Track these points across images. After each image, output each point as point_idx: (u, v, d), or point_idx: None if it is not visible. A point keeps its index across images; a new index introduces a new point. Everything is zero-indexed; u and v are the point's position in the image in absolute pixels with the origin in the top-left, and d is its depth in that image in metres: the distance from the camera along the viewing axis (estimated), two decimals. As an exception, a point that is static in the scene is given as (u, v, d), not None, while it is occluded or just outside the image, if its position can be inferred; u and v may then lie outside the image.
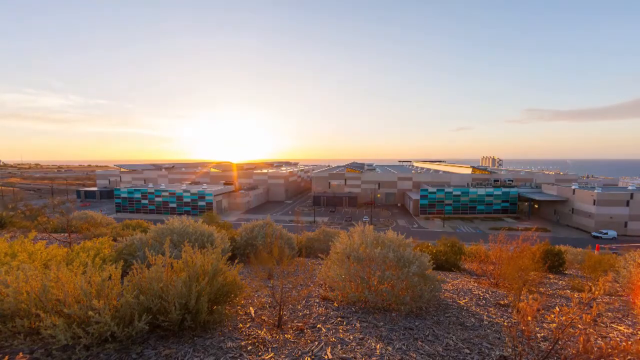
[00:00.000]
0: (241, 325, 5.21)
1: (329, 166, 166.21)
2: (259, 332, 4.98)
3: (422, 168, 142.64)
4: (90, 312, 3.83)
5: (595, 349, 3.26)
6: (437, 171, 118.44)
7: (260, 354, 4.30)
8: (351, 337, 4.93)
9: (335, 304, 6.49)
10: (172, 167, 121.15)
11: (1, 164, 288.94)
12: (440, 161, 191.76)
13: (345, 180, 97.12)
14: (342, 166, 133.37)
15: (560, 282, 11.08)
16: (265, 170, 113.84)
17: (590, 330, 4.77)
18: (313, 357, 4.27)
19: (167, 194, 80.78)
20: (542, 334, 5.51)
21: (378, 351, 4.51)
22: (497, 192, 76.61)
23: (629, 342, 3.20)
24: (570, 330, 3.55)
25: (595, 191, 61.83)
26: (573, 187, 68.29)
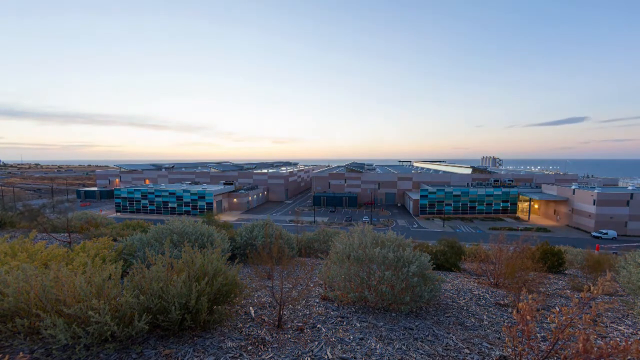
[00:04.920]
0: (241, 325, 5.21)
1: (329, 166, 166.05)
2: (259, 332, 4.98)
3: (422, 168, 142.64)
4: (90, 312, 3.82)
5: (595, 349, 3.26)
6: (437, 171, 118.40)
7: (260, 354, 4.30)
8: (351, 337, 4.93)
9: (335, 304, 6.49)
10: (172, 167, 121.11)
11: (1, 164, 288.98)
12: (440, 161, 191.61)
13: (345, 180, 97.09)
14: (342, 166, 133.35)
15: (560, 282, 11.08)
16: (265, 170, 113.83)
17: (591, 330, 4.76)
18: (313, 357, 4.27)
19: (167, 194, 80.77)
20: (542, 334, 5.52)
21: (378, 351, 4.51)
22: (497, 192, 76.54)
23: (629, 342, 3.19)
24: (570, 330, 3.55)
25: (595, 191, 61.81)
26: (573, 187, 68.25)
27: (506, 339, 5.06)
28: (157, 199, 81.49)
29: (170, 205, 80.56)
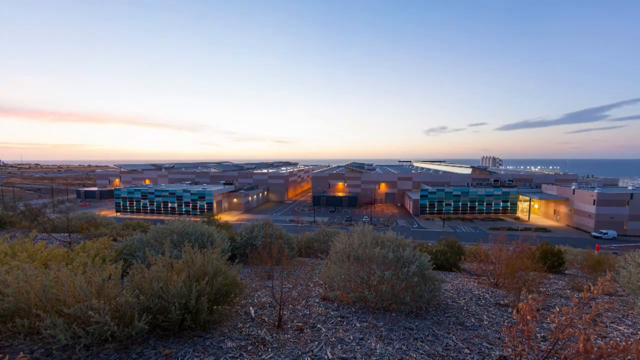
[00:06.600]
0: (241, 325, 5.21)
1: (329, 166, 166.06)
2: (259, 332, 4.98)
3: (422, 168, 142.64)
4: (90, 312, 3.82)
5: (595, 349, 3.26)
6: (437, 171, 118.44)
7: (260, 354, 4.30)
8: (351, 337, 4.93)
9: (335, 304, 6.49)
10: (172, 167, 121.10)
11: (1, 164, 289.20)
12: (440, 161, 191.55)
13: (345, 180, 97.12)
14: (342, 166, 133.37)
15: (560, 282, 11.08)
16: (265, 170, 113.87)
17: (591, 330, 4.77)
18: (313, 357, 4.27)
19: (167, 194, 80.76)
20: (542, 334, 5.52)
21: (378, 351, 4.51)
22: (497, 192, 76.53)
23: (629, 342, 3.19)
24: (570, 330, 3.55)
25: (595, 191, 61.82)
26: (573, 187, 68.26)
27: (506, 339, 5.07)
28: (157, 199, 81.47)
29: (170, 205, 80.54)
